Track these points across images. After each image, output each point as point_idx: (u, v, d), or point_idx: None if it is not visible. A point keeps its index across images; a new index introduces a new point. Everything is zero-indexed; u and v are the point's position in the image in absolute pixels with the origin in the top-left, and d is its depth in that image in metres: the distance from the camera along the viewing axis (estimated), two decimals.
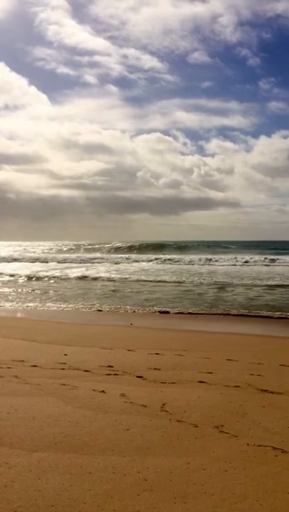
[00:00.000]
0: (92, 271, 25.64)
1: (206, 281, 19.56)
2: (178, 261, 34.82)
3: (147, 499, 2.74)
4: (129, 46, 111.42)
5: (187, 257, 37.39)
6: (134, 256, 40.69)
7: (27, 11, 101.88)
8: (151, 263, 34.00)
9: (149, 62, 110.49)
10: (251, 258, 35.41)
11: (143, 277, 21.61)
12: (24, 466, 3.11)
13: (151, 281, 20.02)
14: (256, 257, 36.07)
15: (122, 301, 13.62)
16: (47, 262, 35.84)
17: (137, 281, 19.96)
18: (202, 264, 32.09)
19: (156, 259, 36.91)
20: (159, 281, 19.80)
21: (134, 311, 11.99)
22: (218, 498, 2.76)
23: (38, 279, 21.49)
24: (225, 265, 31.13)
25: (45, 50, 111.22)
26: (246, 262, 33.46)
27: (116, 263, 34.10)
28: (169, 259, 36.21)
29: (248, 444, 3.49)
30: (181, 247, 55.03)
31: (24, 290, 16.53)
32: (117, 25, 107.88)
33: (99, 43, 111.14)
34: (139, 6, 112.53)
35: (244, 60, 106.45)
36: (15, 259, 38.85)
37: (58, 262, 35.60)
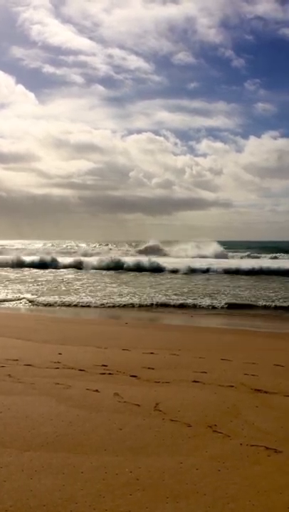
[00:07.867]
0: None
1: None
2: None
3: (139, 499, 2.73)
4: (114, 46, 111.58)
5: None
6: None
7: (9, 11, 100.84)
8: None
9: (135, 62, 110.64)
10: None
11: None
12: (16, 465, 3.10)
13: None
14: None
15: None
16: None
17: None
18: None
19: None
20: None
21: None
22: (211, 497, 2.75)
23: None
24: None
25: (29, 50, 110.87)
26: None
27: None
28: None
29: (241, 444, 3.48)
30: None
31: None
32: (91, 27, 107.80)
33: (83, 42, 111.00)
34: (111, 8, 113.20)
35: (228, 62, 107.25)
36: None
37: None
